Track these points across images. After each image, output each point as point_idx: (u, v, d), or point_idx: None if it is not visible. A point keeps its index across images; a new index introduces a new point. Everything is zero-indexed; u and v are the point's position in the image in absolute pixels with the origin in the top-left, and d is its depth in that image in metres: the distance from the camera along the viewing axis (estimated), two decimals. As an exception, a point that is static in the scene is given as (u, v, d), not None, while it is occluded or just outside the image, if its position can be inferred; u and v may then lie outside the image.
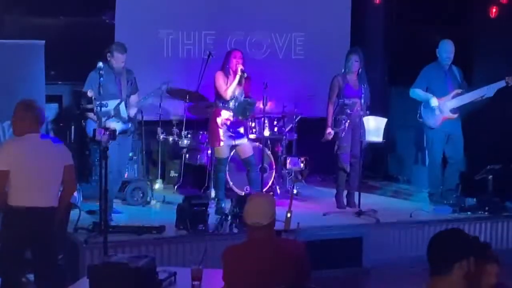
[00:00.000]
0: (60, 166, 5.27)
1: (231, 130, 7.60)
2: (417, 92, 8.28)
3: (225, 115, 7.59)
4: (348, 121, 7.91)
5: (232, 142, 7.63)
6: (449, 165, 8.36)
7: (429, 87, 8.26)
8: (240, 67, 7.51)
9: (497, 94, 8.10)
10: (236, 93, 7.57)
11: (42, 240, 5.19)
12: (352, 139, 7.99)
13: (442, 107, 8.16)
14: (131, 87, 7.39)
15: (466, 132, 8.32)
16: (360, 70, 7.96)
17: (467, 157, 8.36)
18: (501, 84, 8.01)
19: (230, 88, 7.53)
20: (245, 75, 7.50)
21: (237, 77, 7.52)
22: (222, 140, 7.59)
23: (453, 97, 8.18)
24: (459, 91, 8.19)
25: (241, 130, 7.69)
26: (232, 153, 7.85)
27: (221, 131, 7.59)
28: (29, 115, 5.23)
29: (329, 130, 7.99)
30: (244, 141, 7.71)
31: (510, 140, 8.56)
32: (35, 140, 5.22)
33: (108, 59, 7.22)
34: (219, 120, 7.59)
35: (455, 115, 8.19)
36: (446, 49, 8.18)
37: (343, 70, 8.08)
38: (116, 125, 6.97)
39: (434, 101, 8.13)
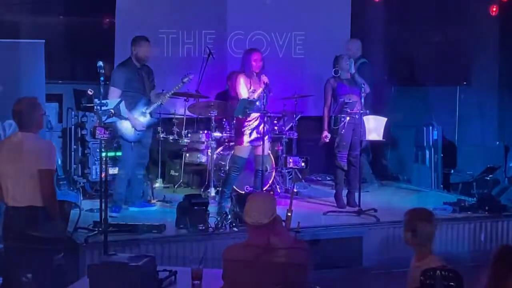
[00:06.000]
0: None
1: (255, 131, 7.56)
2: None
3: (253, 116, 7.52)
4: (348, 118, 7.91)
5: (254, 143, 7.57)
6: None
7: None
8: (264, 79, 7.44)
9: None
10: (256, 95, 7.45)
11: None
12: (352, 138, 8.00)
13: None
14: (151, 83, 7.49)
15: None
16: (354, 72, 7.91)
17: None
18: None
19: (254, 95, 7.41)
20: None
21: (260, 89, 7.38)
22: (244, 140, 7.54)
23: None
24: None
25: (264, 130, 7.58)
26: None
27: (246, 131, 7.55)
28: None
29: (325, 133, 8.01)
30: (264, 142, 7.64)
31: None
32: None
33: (134, 51, 7.29)
34: (246, 123, 7.53)
35: None
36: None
37: (333, 74, 8.06)
38: (143, 119, 7.28)
39: None
